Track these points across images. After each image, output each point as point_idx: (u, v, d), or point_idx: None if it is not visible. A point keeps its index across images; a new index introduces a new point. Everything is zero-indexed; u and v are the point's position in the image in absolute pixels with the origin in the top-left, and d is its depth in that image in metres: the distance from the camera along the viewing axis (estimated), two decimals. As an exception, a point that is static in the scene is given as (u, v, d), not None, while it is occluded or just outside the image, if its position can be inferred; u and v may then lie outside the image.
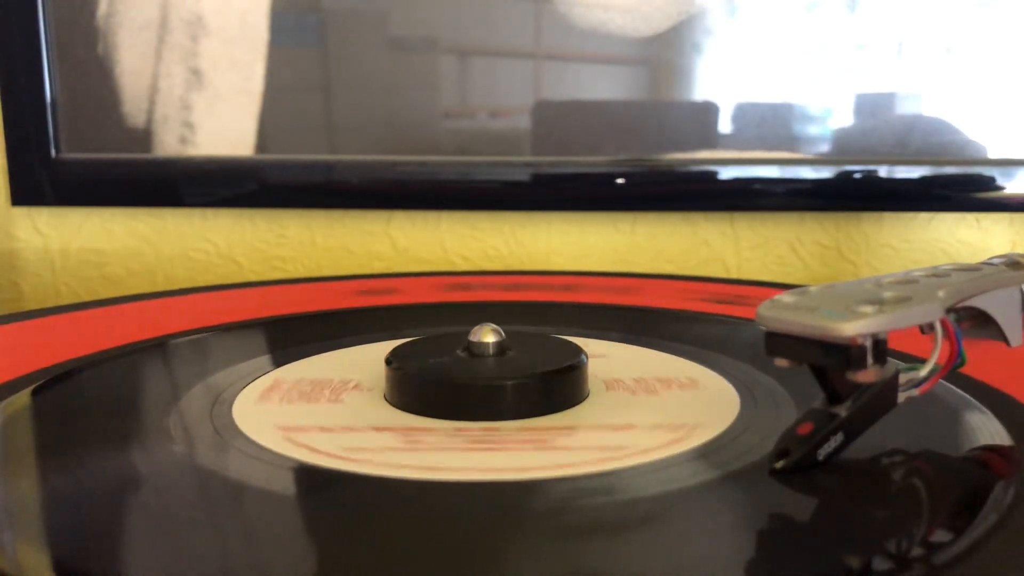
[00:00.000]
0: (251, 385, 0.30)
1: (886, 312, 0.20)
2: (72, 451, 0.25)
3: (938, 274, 0.24)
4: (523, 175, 0.57)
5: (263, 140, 0.58)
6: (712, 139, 0.57)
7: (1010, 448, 0.24)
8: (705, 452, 0.24)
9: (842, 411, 0.22)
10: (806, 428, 0.22)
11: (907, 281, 0.23)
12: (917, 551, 0.19)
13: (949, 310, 0.22)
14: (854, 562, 0.18)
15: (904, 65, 0.55)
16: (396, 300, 0.44)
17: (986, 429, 0.25)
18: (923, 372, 0.23)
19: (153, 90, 0.57)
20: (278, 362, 0.33)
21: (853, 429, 0.22)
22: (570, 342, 0.30)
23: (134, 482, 0.23)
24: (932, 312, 0.22)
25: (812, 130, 0.57)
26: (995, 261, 0.25)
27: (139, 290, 0.60)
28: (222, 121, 0.58)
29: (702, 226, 0.59)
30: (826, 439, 0.22)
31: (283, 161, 0.58)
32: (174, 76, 0.57)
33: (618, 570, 0.18)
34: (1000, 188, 0.56)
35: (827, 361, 0.21)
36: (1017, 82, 0.55)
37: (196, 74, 0.57)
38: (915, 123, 0.56)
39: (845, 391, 0.22)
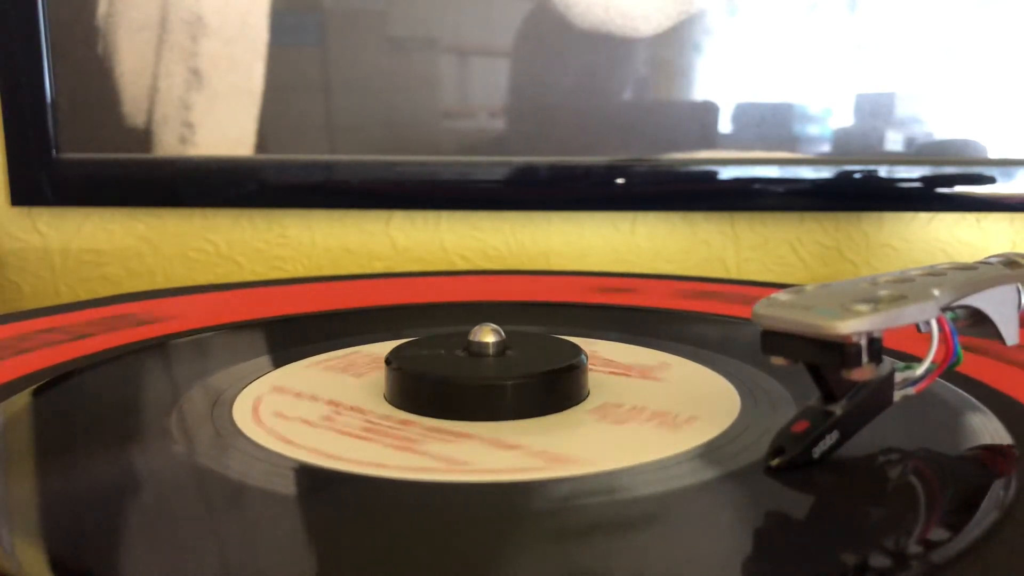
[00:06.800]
0: (251, 385, 0.30)
1: (881, 311, 0.20)
2: (73, 451, 0.25)
3: (934, 273, 0.24)
4: (522, 175, 0.57)
5: (263, 140, 0.58)
6: (712, 139, 0.57)
7: (1009, 447, 0.24)
8: (705, 452, 0.24)
9: (837, 409, 0.22)
10: (801, 426, 0.22)
11: (903, 280, 0.23)
12: (915, 549, 0.19)
13: (945, 309, 0.22)
14: (852, 560, 0.18)
15: (904, 65, 0.55)
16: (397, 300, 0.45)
17: (985, 428, 0.25)
18: (919, 371, 0.23)
19: (153, 90, 0.57)
20: (278, 362, 0.33)
21: (848, 427, 0.22)
22: (570, 342, 0.30)
23: (135, 483, 0.23)
24: (928, 311, 0.22)
25: (812, 130, 0.57)
26: (992, 260, 0.25)
27: (139, 290, 0.61)
28: (222, 121, 0.58)
29: (702, 226, 0.59)
30: (821, 437, 0.22)
31: (283, 161, 0.58)
32: (174, 76, 0.57)
33: (618, 570, 0.18)
34: (1000, 188, 0.56)
35: (822, 359, 0.21)
36: (1017, 82, 0.55)
37: (196, 74, 0.57)
38: (915, 123, 0.56)
39: (841, 389, 0.22)
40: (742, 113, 0.56)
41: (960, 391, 0.28)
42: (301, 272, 0.60)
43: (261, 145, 0.58)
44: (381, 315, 0.42)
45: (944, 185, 0.56)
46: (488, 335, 0.28)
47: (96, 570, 0.18)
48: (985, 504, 0.21)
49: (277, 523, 0.20)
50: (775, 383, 0.29)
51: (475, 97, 0.58)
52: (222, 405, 0.28)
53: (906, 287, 0.22)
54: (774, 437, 0.22)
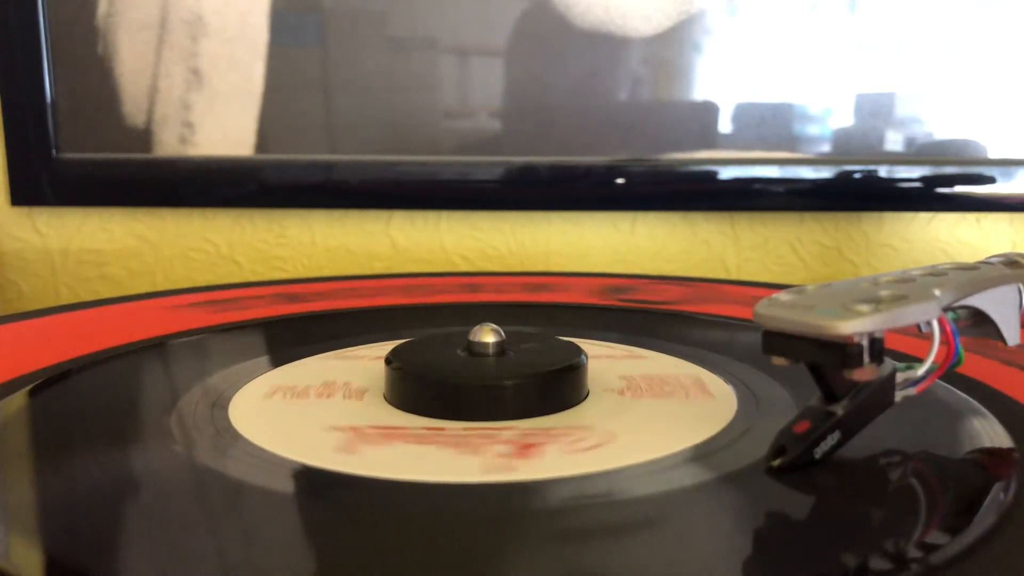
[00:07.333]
0: (250, 385, 0.30)
1: (882, 311, 0.20)
2: (72, 451, 0.25)
3: (935, 273, 0.24)
4: (522, 175, 0.57)
5: (263, 140, 0.58)
6: (712, 139, 0.57)
7: (1009, 449, 0.24)
8: (705, 452, 0.24)
9: (839, 409, 0.22)
10: (803, 426, 0.22)
11: (904, 280, 0.23)
12: (915, 551, 0.19)
13: (946, 309, 0.22)
14: (852, 561, 0.18)
15: (904, 65, 0.55)
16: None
17: (985, 429, 0.25)
18: (920, 371, 0.23)
19: (153, 90, 0.57)
20: (278, 362, 0.33)
21: (850, 427, 0.22)
22: (570, 342, 0.30)
23: (133, 483, 0.23)
24: (929, 311, 0.22)
25: (812, 130, 0.57)
26: (993, 260, 0.25)
27: (139, 290, 0.60)
28: (222, 121, 0.58)
29: (702, 226, 0.59)
30: (823, 437, 0.22)
31: (283, 161, 0.58)
32: (174, 76, 0.57)
33: (618, 570, 0.18)
34: (1000, 188, 0.56)
35: (823, 359, 0.21)
36: (1017, 82, 0.55)
37: (196, 74, 0.57)
38: (915, 123, 0.56)
39: (842, 390, 0.22)
40: (742, 113, 0.56)
41: (960, 392, 0.28)
42: (301, 272, 0.60)
43: (261, 145, 0.58)
44: (381, 315, 0.42)
45: (944, 185, 0.56)
46: (488, 335, 0.28)
47: (94, 571, 0.18)
48: (985, 506, 0.20)
49: (275, 524, 0.20)
50: (775, 384, 0.29)
51: (475, 97, 0.58)
52: (221, 406, 0.28)
53: (907, 287, 0.22)
54: (775, 437, 0.22)
